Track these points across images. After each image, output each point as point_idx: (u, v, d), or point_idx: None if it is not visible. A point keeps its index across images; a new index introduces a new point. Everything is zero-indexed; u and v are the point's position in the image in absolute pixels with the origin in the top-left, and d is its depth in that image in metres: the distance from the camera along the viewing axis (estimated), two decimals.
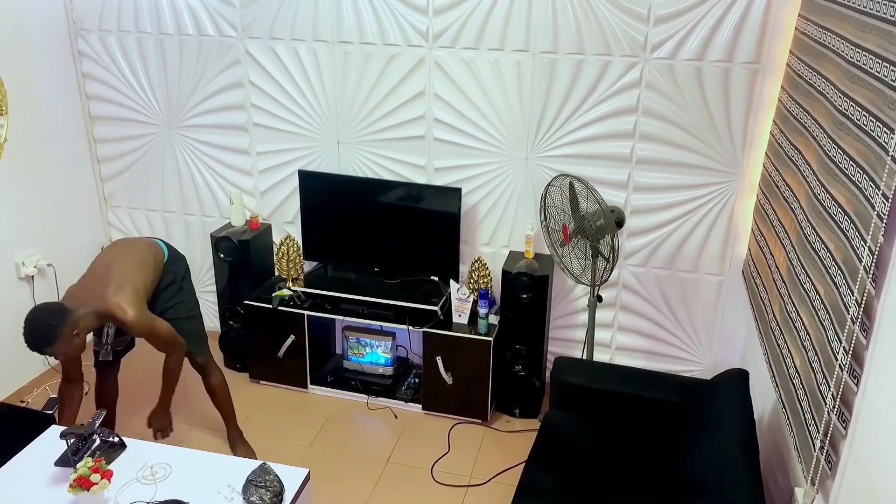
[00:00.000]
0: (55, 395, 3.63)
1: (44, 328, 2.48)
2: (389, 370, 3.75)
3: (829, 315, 1.95)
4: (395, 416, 3.58)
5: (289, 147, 3.75)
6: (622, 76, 3.19)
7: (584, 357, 3.34)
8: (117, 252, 2.86)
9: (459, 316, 3.50)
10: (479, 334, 3.43)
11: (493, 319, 3.51)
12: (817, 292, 2.09)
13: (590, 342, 3.29)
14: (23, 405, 3.55)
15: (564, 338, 3.73)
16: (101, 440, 2.48)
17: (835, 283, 1.94)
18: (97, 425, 2.53)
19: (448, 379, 3.49)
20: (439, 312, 3.48)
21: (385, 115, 3.54)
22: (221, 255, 3.74)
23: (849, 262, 1.85)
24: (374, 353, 3.75)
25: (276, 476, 2.33)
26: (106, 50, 3.80)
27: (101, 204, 4.14)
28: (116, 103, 3.90)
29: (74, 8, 3.76)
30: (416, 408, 3.62)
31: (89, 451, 2.43)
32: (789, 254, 2.46)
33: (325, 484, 3.10)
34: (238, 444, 3.30)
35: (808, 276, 2.21)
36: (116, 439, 2.52)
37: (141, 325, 2.68)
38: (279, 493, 2.28)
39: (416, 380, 3.77)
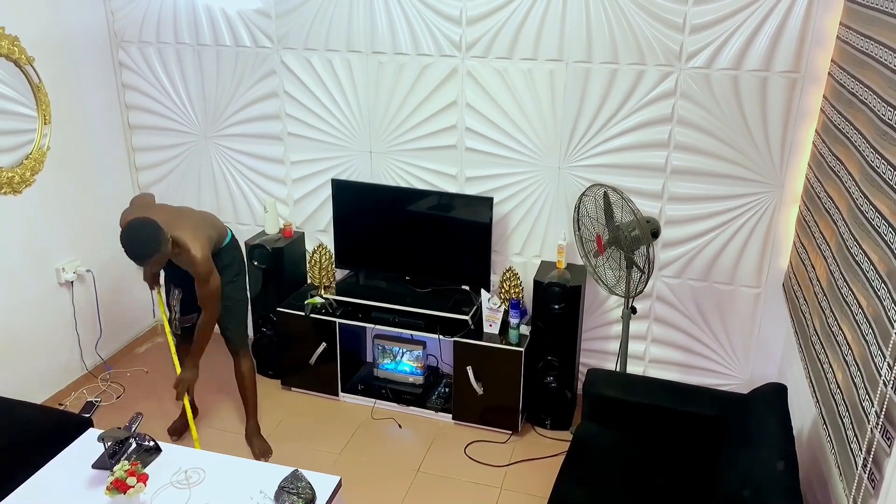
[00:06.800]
0: (92, 399, 3.70)
1: (148, 240, 2.71)
2: (420, 379, 3.75)
3: (873, 329, 1.90)
4: (399, 426, 3.57)
5: (322, 156, 3.78)
6: (657, 86, 3.17)
7: (618, 369, 3.30)
8: (184, 207, 3.19)
9: (490, 326, 3.48)
10: (511, 344, 3.41)
11: (525, 330, 3.48)
12: (860, 305, 2.04)
13: (623, 354, 3.25)
14: (61, 408, 3.62)
15: (597, 349, 3.70)
16: (136, 444, 2.53)
17: (878, 296, 1.89)
18: (134, 429, 2.57)
19: (479, 389, 3.47)
20: (470, 322, 3.48)
21: (417, 124, 3.56)
22: (255, 263, 3.78)
23: (893, 275, 1.80)
24: (403, 362, 3.76)
25: (308, 483, 2.34)
26: (145, 61, 3.89)
27: None
28: (155, 113, 3.98)
29: (116, 20, 3.85)
30: (447, 417, 3.61)
31: (126, 455, 2.47)
32: (830, 266, 2.41)
33: (356, 491, 3.10)
34: (254, 437, 3.40)
35: (850, 288, 2.15)
36: (152, 443, 2.56)
37: (203, 266, 2.90)
38: (311, 500, 2.29)
39: (447, 389, 3.76)
